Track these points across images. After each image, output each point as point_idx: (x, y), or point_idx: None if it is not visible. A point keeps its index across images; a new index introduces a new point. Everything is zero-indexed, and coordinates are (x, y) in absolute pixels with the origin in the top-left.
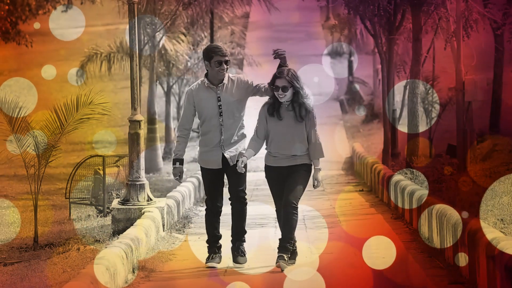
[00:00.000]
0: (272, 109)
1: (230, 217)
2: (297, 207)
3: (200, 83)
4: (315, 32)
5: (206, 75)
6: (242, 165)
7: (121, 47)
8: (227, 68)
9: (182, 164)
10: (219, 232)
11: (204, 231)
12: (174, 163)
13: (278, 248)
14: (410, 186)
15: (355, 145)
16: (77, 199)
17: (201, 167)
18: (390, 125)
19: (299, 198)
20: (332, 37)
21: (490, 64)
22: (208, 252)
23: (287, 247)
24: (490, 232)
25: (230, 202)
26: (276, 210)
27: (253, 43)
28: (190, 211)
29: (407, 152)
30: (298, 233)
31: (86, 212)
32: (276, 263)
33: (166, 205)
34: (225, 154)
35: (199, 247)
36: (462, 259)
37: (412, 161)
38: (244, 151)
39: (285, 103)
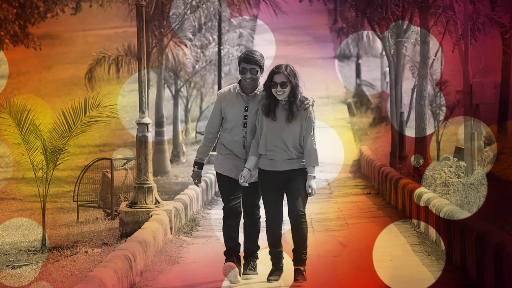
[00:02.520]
0: (268, 109)
1: (242, 231)
2: (305, 215)
3: (232, 88)
4: (323, 35)
5: (240, 81)
6: (244, 182)
7: (129, 50)
8: (252, 78)
9: (201, 169)
10: (238, 242)
11: (212, 233)
12: (193, 166)
13: (293, 260)
14: (418, 189)
15: (363, 148)
16: (85, 202)
17: (217, 173)
18: (397, 128)
19: (305, 205)
20: (339, 40)
21: (497, 67)
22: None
23: (302, 259)
24: (497, 235)
25: (243, 216)
26: (267, 221)
27: (260, 46)
28: (197, 214)
29: (415, 154)
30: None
31: (94, 215)
32: (295, 277)
33: (173, 208)
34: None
35: (206, 250)
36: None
37: (419, 164)
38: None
39: (282, 102)
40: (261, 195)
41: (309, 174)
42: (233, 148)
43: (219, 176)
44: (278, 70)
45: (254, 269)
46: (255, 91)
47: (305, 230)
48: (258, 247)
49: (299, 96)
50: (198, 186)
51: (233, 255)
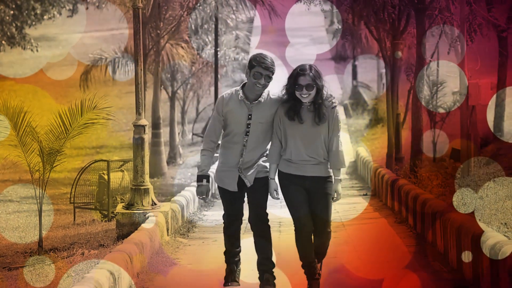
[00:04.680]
0: (293, 112)
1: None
2: (330, 232)
3: (234, 92)
4: (320, 36)
5: (243, 86)
6: (276, 195)
7: (126, 52)
8: (265, 85)
9: (209, 181)
10: (239, 246)
11: (208, 235)
12: (199, 180)
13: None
14: (414, 190)
15: (359, 150)
16: (81, 204)
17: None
18: (394, 129)
19: (330, 220)
20: (336, 41)
21: (494, 68)
22: (227, 267)
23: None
24: (494, 236)
25: (250, 224)
26: (298, 227)
27: (257, 48)
28: (194, 215)
29: (411, 156)
30: None
31: (91, 216)
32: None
33: (170, 209)
34: (242, 177)
35: (203, 251)
36: (465, 258)
37: (416, 165)
38: (265, 167)
39: (306, 104)
40: (286, 199)
41: (335, 178)
42: (230, 155)
43: (219, 187)
44: (302, 72)
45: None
46: (259, 99)
47: (328, 242)
48: (273, 265)
49: (327, 99)
50: (205, 201)
51: (233, 262)
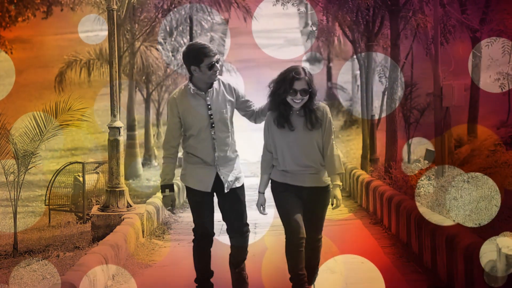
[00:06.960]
0: (283, 120)
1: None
2: (321, 238)
3: (183, 88)
4: (294, 38)
5: (191, 79)
6: (263, 210)
7: (101, 54)
8: (219, 70)
9: (173, 190)
10: (210, 269)
11: (183, 237)
12: (163, 190)
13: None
14: (389, 191)
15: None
16: (56, 206)
17: (186, 187)
18: (368, 131)
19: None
20: (310, 43)
21: (467, 69)
22: None
23: (314, 278)
24: (468, 237)
25: (228, 234)
26: (288, 238)
27: (232, 50)
28: (169, 217)
29: (386, 157)
30: (279, 239)
31: (66, 218)
32: None
33: (145, 211)
34: (222, 177)
35: (178, 253)
36: (440, 263)
37: (390, 167)
38: (240, 175)
39: (295, 109)
40: (279, 207)
41: (334, 183)
42: (203, 155)
43: (188, 190)
44: (298, 76)
45: (245, 281)
46: (213, 86)
47: (320, 252)
48: (245, 257)
49: (317, 105)
50: (173, 213)
51: (205, 286)
